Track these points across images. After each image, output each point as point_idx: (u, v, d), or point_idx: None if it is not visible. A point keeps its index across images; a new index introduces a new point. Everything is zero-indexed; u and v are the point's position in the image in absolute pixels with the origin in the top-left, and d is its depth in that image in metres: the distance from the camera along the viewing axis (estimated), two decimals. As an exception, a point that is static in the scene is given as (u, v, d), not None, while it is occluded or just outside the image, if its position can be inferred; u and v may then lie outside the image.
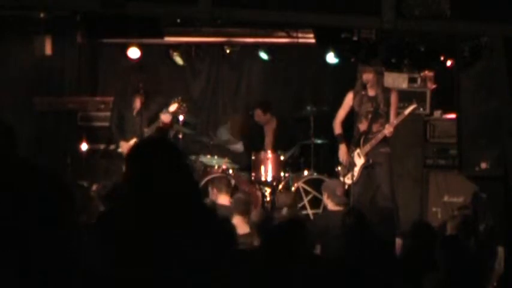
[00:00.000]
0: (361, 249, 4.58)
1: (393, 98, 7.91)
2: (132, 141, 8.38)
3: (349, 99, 8.06)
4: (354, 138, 7.99)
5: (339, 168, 8.09)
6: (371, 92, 7.87)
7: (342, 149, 8.02)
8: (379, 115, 7.84)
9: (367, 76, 7.83)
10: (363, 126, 7.89)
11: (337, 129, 8.14)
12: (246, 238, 5.92)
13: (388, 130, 7.72)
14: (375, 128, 7.88)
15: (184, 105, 8.70)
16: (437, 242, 4.66)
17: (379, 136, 7.79)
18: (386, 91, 7.91)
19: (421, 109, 8.40)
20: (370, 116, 7.81)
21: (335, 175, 8.17)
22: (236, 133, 9.75)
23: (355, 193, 7.68)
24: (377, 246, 5.18)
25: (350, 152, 7.97)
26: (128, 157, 2.64)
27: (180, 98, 8.77)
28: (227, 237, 4.81)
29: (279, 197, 8.43)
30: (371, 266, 4.21)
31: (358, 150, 7.82)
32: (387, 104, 7.86)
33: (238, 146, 9.56)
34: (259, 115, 9.44)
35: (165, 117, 8.60)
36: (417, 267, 4.59)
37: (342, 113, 8.13)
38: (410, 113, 7.92)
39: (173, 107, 8.62)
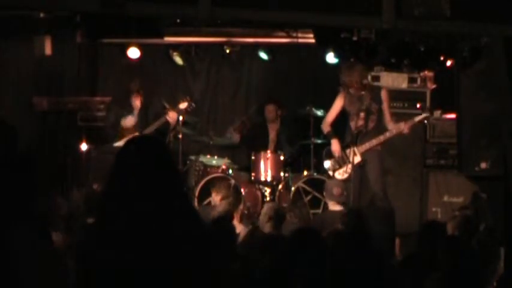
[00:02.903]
0: (361, 249, 4.58)
1: (384, 94, 7.91)
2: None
3: (340, 100, 8.03)
4: (348, 136, 7.96)
5: (330, 162, 7.99)
6: (357, 92, 7.84)
7: (335, 143, 7.95)
8: (371, 112, 7.85)
9: (351, 78, 7.78)
10: (354, 124, 7.87)
11: (326, 128, 8.08)
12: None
13: (405, 129, 7.70)
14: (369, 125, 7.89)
15: (193, 104, 8.71)
16: (439, 242, 4.66)
17: (381, 138, 7.75)
18: (376, 89, 7.91)
19: (424, 114, 8.26)
20: (362, 114, 7.79)
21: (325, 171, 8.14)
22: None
23: (354, 192, 7.67)
24: (376, 246, 5.18)
25: (343, 148, 7.97)
26: (116, 156, 2.65)
27: (189, 97, 8.78)
28: (225, 236, 4.83)
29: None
30: (370, 266, 4.21)
31: (354, 148, 7.76)
32: (378, 101, 7.87)
33: (232, 135, 9.52)
34: (271, 111, 9.42)
35: (172, 115, 8.57)
36: (418, 267, 4.59)
37: (332, 114, 8.07)
38: (420, 121, 7.90)
39: (183, 105, 8.63)
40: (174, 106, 8.74)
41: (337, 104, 8.04)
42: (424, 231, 5.43)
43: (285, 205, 7.94)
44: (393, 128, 7.72)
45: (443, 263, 4.40)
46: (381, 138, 7.75)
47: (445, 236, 5.38)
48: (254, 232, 6.43)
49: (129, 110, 8.84)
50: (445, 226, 5.80)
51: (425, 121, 8.42)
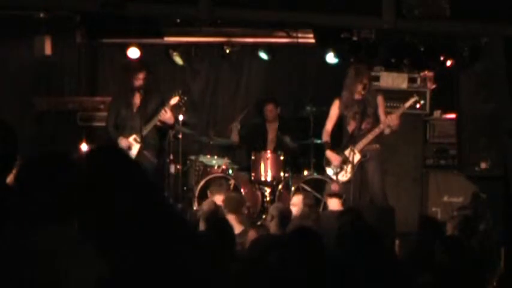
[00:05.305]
0: (357, 248, 4.57)
1: (380, 99, 7.95)
2: (132, 138, 8.31)
3: (335, 108, 8.06)
4: (345, 139, 7.99)
5: (332, 167, 8.04)
6: (358, 95, 7.85)
7: (329, 152, 8.03)
8: (367, 115, 7.87)
9: (362, 81, 7.83)
10: (351, 127, 7.90)
11: (326, 137, 8.16)
12: (239, 237, 6.00)
13: (394, 119, 7.73)
14: (363, 126, 7.90)
15: (185, 98, 8.51)
16: (438, 242, 4.66)
17: (377, 130, 7.81)
18: (373, 94, 7.94)
19: (422, 101, 8.27)
20: (357, 116, 7.82)
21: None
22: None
23: (354, 192, 7.68)
24: (374, 245, 5.17)
25: (341, 151, 7.98)
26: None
27: (180, 90, 8.56)
28: (225, 237, 4.83)
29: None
30: (368, 266, 4.21)
31: (351, 148, 7.78)
32: (374, 106, 7.88)
33: (232, 136, 9.48)
34: (271, 110, 9.43)
35: (165, 113, 8.36)
36: (417, 267, 4.59)
37: (331, 123, 8.13)
38: (411, 105, 7.93)
39: (174, 100, 8.42)
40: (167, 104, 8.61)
41: (333, 112, 8.09)
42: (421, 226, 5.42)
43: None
44: (385, 120, 7.77)
45: (443, 263, 4.40)
46: (376, 130, 7.80)
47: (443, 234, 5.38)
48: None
49: (129, 107, 8.76)
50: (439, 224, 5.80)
51: (425, 118, 8.46)
